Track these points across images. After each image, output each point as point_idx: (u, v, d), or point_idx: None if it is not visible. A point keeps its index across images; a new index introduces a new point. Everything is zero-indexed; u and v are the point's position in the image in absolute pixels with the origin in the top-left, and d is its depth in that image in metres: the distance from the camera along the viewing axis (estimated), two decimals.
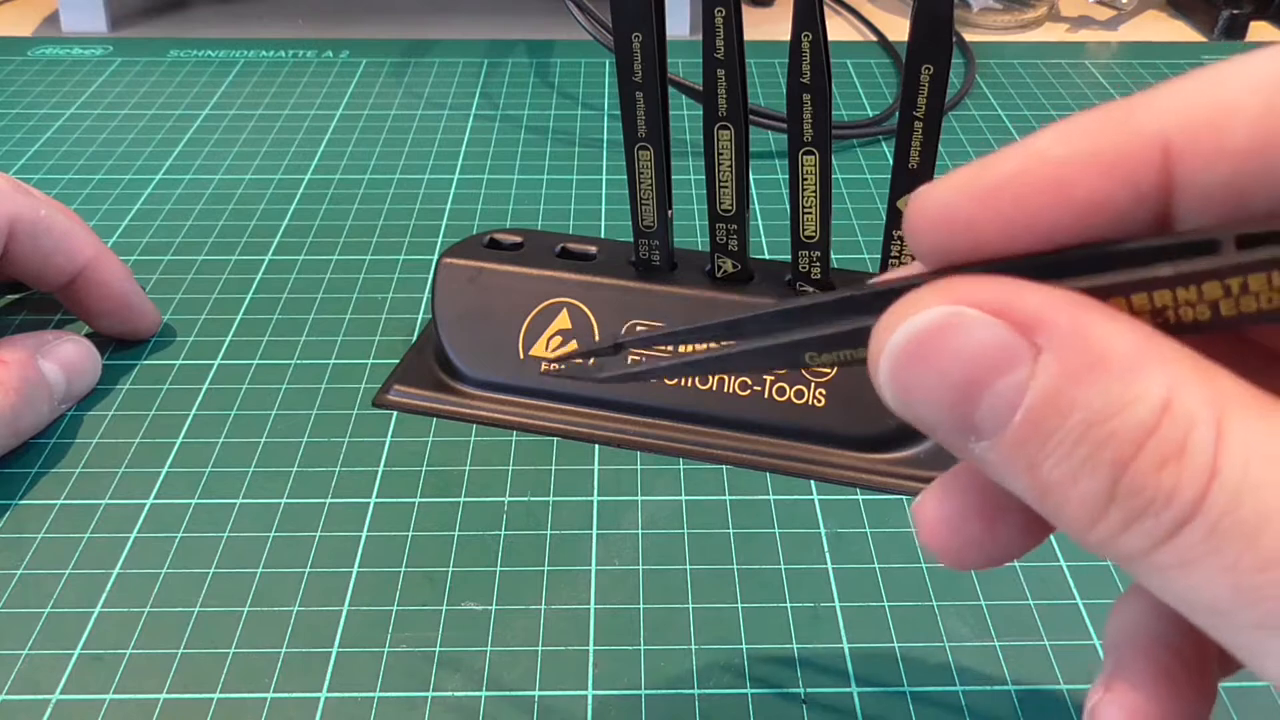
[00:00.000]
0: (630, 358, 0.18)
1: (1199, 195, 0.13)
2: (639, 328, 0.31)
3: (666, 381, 0.31)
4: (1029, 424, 0.13)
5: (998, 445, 0.13)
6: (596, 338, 0.32)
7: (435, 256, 0.40)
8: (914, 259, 0.16)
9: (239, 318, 0.37)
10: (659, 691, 0.25)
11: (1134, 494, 0.12)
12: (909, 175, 0.29)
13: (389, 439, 0.32)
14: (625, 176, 0.31)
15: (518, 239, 0.34)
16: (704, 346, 0.16)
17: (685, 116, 0.51)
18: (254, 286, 0.39)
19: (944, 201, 0.14)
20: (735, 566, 0.28)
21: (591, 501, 0.30)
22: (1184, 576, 0.12)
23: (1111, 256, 0.13)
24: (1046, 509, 0.13)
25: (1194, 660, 0.16)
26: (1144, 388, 0.12)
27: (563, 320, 0.32)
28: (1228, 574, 0.12)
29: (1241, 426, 0.12)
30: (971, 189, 0.14)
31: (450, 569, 0.28)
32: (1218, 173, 0.13)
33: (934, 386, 0.13)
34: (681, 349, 0.16)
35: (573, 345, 0.32)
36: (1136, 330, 0.12)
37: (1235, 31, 0.63)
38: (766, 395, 0.31)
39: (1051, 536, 0.29)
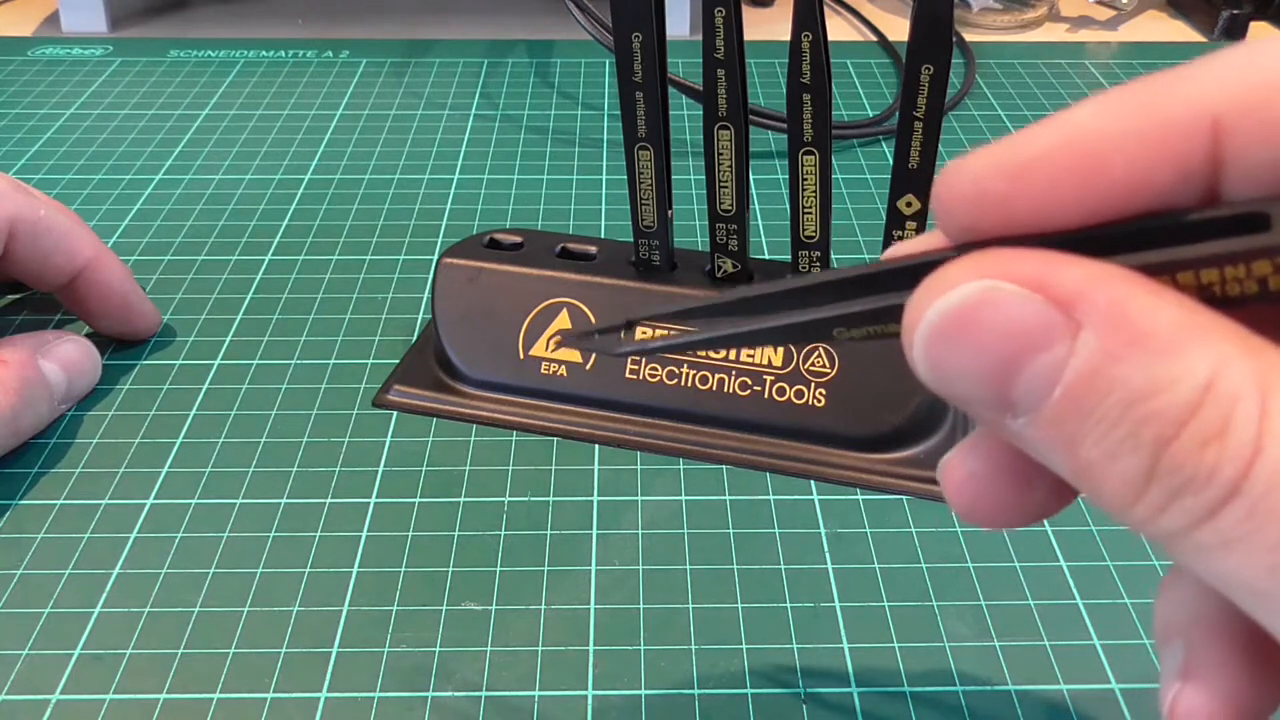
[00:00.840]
0: (641, 334, 0.17)
1: (1247, 173, 0.13)
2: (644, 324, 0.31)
3: (666, 382, 0.31)
4: (1068, 401, 0.12)
5: (1036, 422, 0.13)
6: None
7: (435, 256, 0.40)
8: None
9: (239, 318, 0.37)
10: (659, 691, 0.25)
11: (1174, 472, 0.12)
12: (909, 175, 0.29)
13: (389, 439, 0.32)
14: (625, 176, 0.31)
15: (518, 239, 0.34)
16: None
17: (685, 116, 0.51)
18: (254, 286, 0.39)
19: (976, 177, 0.14)
20: (735, 566, 0.28)
21: (591, 501, 0.30)
22: (1225, 556, 0.12)
23: (1153, 232, 0.13)
24: (1086, 486, 0.13)
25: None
26: (1186, 366, 0.12)
27: (563, 320, 0.32)
28: (1269, 553, 0.11)
29: None
30: (1005, 165, 0.13)
31: (450, 569, 0.28)
32: (1269, 149, 0.13)
33: (970, 363, 0.13)
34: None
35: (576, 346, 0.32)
36: (1180, 305, 0.12)
37: (1235, 31, 0.63)
38: (766, 395, 0.31)
39: (1052, 537, 0.29)
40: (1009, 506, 0.16)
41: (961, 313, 0.13)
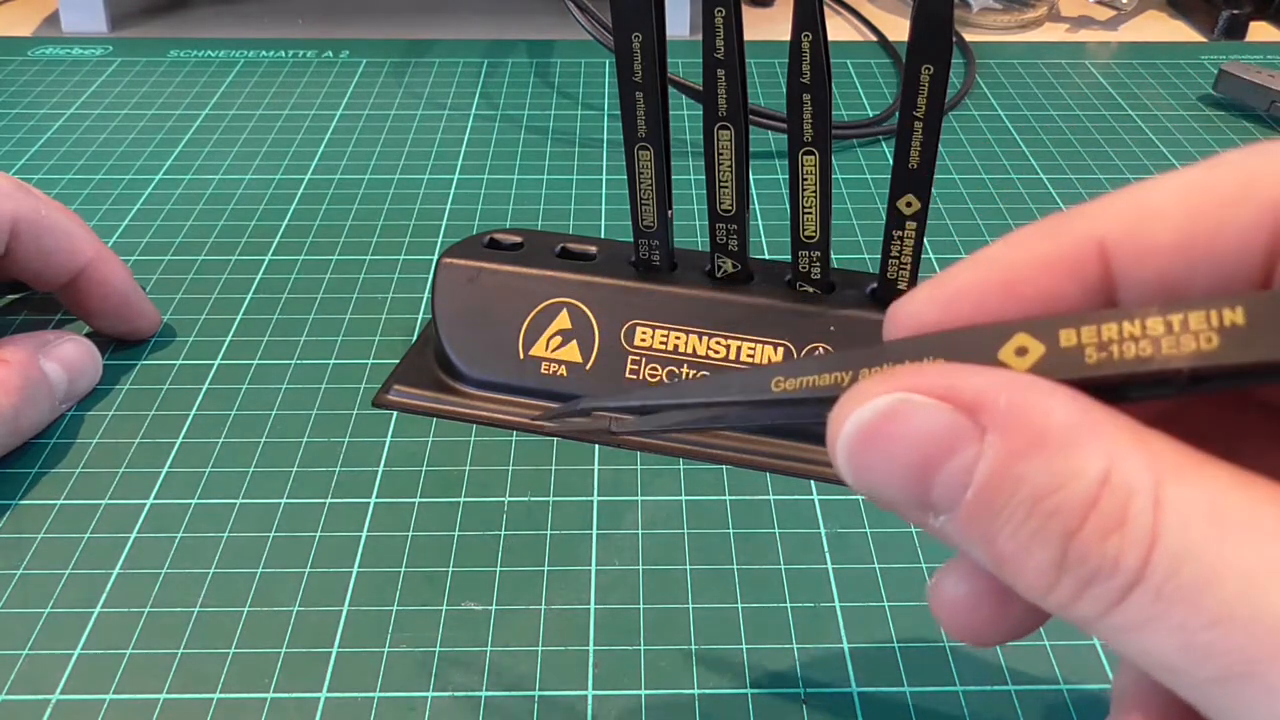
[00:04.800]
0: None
1: (1137, 288, 0.15)
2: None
3: (666, 382, 0.31)
4: (980, 501, 0.13)
5: (954, 520, 0.14)
6: (596, 337, 0.32)
7: (435, 256, 0.40)
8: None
9: (239, 318, 0.37)
10: (659, 691, 0.25)
11: (1082, 563, 0.13)
12: (909, 175, 0.29)
13: (389, 439, 0.32)
14: (625, 176, 0.31)
15: (518, 239, 0.34)
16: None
17: (685, 116, 0.51)
18: (254, 286, 0.39)
19: (912, 312, 0.16)
20: (735, 566, 0.28)
21: (591, 501, 0.30)
22: (1138, 638, 0.13)
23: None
24: (1006, 577, 0.14)
25: None
26: (1083, 462, 0.13)
27: (563, 320, 0.32)
28: (1177, 634, 0.12)
29: (1179, 491, 0.12)
30: (935, 299, 0.16)
31: (450, 569, 0.28)
32: (1149, 268, 0.15)
33: (887, 470, 0.14)
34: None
35: (573, 345, 0.32)
36: (1075, 403, 0.13)
37: (1235, 31, 0.63)
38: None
39: None
40: (993, 623, 0.17)
41: (875, 424, 0.14)
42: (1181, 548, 0.12)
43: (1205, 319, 0.13)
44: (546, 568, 0.28)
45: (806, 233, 0.31)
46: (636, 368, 0.32)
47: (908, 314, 0.16)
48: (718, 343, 0.31)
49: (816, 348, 0.31)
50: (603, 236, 0.39)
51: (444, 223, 0.43)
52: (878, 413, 0.14)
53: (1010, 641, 0.17)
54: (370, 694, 0.25)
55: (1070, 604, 0.13)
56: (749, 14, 0.65)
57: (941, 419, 0.13)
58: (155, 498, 0.30)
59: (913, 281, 0.31)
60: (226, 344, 0.36)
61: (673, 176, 0.32)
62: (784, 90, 0.31)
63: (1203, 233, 0.14)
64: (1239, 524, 0.12)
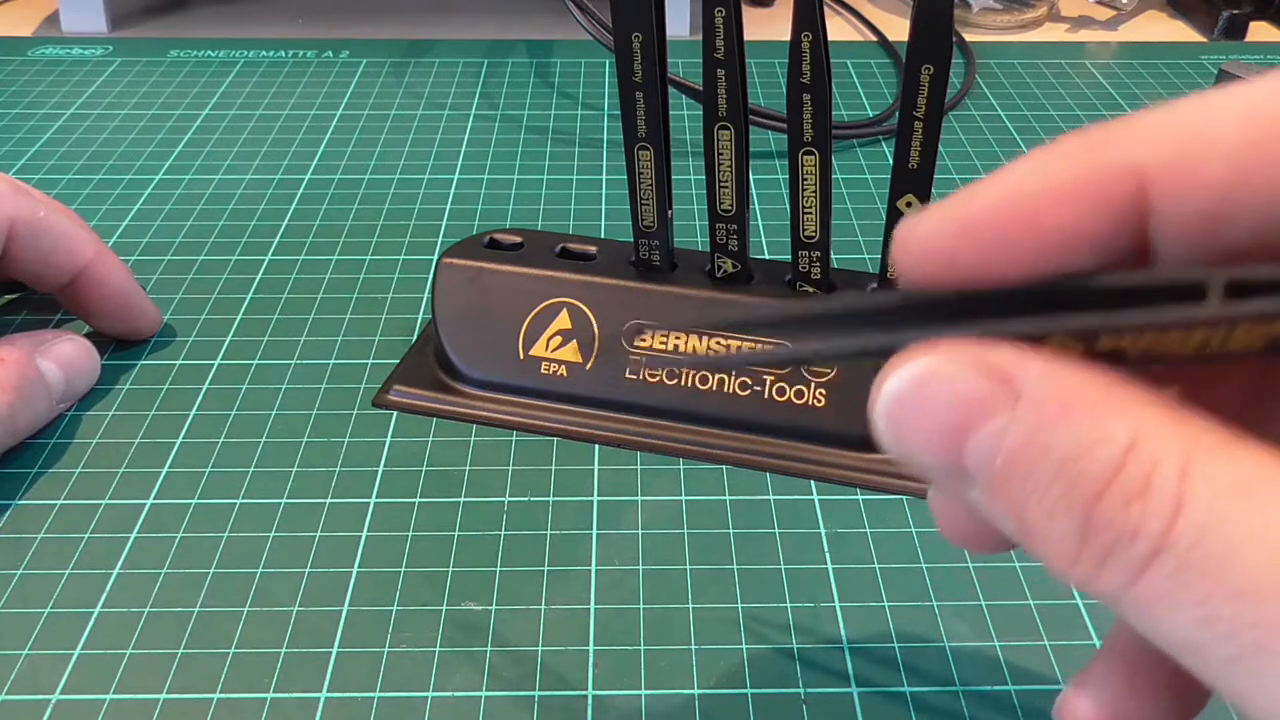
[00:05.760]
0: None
1: (1175, 225, 0.14)
2: (642, 328, 0.31)
3: (666, 381, 0.31)
4: (1010, 466, 0.13)
5: (988, 490, 0.14)
6: (596, 337, 0.32)
7: (435, 256, 0.40)
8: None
9: (239, 318, 0.37)
10: (659, 691, 0.25)
11: (1104, 529, 0.13)
12: (909, 175, 0.29)
13: (389, 439, 0.32)
14: (625, 176, 0.31)
15: (518, 239, 0.34)
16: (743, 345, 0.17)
17: (685, 116, 0.51)
18: (254, 286, 0.39)
19: (926, 236, 0.15)
20: (735, 566, 0.28)
21: (591, 501, 0.30)
22: (1160, 612, 0.12)
23: (1093, 294, 0.14)
24: (1033, 550, 0.14)
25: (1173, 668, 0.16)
26: (1110, 429, 0.13)
27: (563, 320, 0.32)
28: (1200, 606, 0.12)
29: (1209, 464, 0.12)
30: (951, 224, 0.15)
31: (450, 569, 0.28)
32: (1193, 204, 0.13)
33: (922, 430, 0.14)
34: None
35: (573, 345, 0.32)
36: (1105, 377, 0.13)
37: (1235, 31, 0.63)
38: (766, 395, 0.31)
39: None
40: None
41: (913, 385, 0.14)
42: (1207, 518, 0.12)
43: (1252, 333, 0.12)
44: (546, 568, 0.28)
45: (806, 233, 0.31)
46: (636, 368, 0.32)
47: (919, 239, 0.15)
48: (718, 343, 0.31)
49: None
50: (603, 236, 0.39)
51: (444, 223, 0.43)
52: (913, 378, 0.14)
53: None
54: (370, 694, 0.25)
55: (1093, 575, 0.13)
56: (749, 14, 0.65)
57: (975, 384, 0.13)
58: (155, 498, 0.30)
59: None
60: (226, 344, 0.36)
61: (673, 176, 0.32)
62: (784, 90, 0.31)
63: (1258, 170, 0.13)
64: (1268, 496, 0.12)
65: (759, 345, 0.31)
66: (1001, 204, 0.14)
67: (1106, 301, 0.13)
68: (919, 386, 0.14)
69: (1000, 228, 0.14)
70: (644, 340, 0.31)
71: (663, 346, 0.31)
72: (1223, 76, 0.53)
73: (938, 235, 0.15)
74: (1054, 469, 0.13)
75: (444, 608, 0.27)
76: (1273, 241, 0.13)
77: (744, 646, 0.26)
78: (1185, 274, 0.13)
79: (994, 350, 0.14)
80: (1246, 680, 0.12)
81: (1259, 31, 0.64)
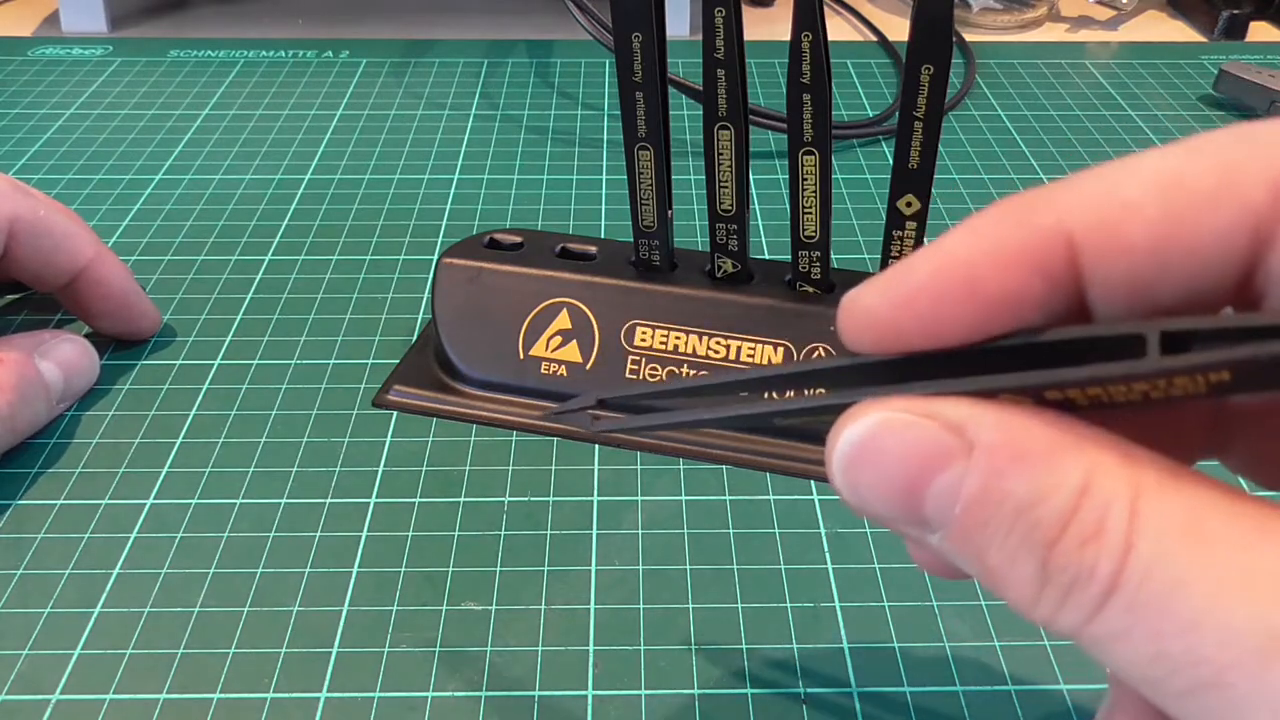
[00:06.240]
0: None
1: (1105, 285, 0.14)
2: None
3: (666, 381, 0.31)
4: (968, 516, 0.14)
5: (948, 536, 0.14)
6: (596, 337, 0.32)
7: (435, 256, 0.40)
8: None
9: (239, 318, 0.37)
10: (659, 691, 0.25)
11: (1062, 572, 0.13)
12: (909, 175, 0.29)
13: (389, 439, 0.32)
14: (625, 176, 0.31)
15: (518, 239, 0.34)
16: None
17: (685, 116, 0.51)
18: (254, 286, 0.39)
19: (869, 308, 0.15)
20: (735, 566, 0.28)
21: (591, 501, 0.30)
22: (1116, 648, 0.13)
23: (1037, 350, 0.14)
24: (997, 591, 0.14)
25: None
26: (1063, 475, 0.13)
27: (563, 320, 0.32)
28: (1151, 643, 0.12)
29: (1156, 502, 0.13)
30: (891, 296, 0.15)
31: (450, 569, 0.28)
32: (1119, 267, 0.14)
33: (879, 485, 0.14)
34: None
35: (573, 345, 0.32)
36: (1056, 423, 0.13)
37: (1235, 31, 0.63)
38: (766, 395, 0.31)
39: None
40: None
41: (865, 440, 0.14)
42: (1154, 556, 0.12)
43: (1192, 382, 0.13)
44: (546, 568, 0.28)
45: (806, 233, 0.31)
46: (636, 368, 0.32)
47: (862, 309, 0.15)
48: (718, 343, 0.31)
49: (816, 348, 0.31)
50: (603, 236, 0.39)
51: (444, 223, 0.43)
52: (868, 430, 0.14)
53: None
54: (370, 694, 0.25)
55: (1054, 615, 0.13)
56: (749, 14, 0.65)
57: (929, 435, 0.14)
58: (155, 498, 0.30)
59: None
60: (226, 344, 0.36)
61: (673, 176, 0.32)
62: (784, 90, 0.31)
63: (1179, 234, 0.13)
64: (1214, 535, 0.12)
65: (759, 347, 0.31)
66: (939, 273, 0.15)
67: (1050, 357, 0.14)
68: (873, 439, 0.14)
69: (939, 296, 0.14)
70: (644, 340, 0.31)
71: (662, 346, 0.31)
72: (1223, 76, 0.53)
73: (880, 306, 0.15)
74: (1011, 516, 0.13)
75: (444, 608, 0.27)
76: (1201, 299, 0.14)
77: (744, 646, 0.26)
78: (1123, 327, 0.13)
79: (944, 402, 0.14)
80: (1199, 712, 0.12)
81: (1259, 31, 0.64)
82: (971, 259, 0.14)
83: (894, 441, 0.14)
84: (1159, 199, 0.13)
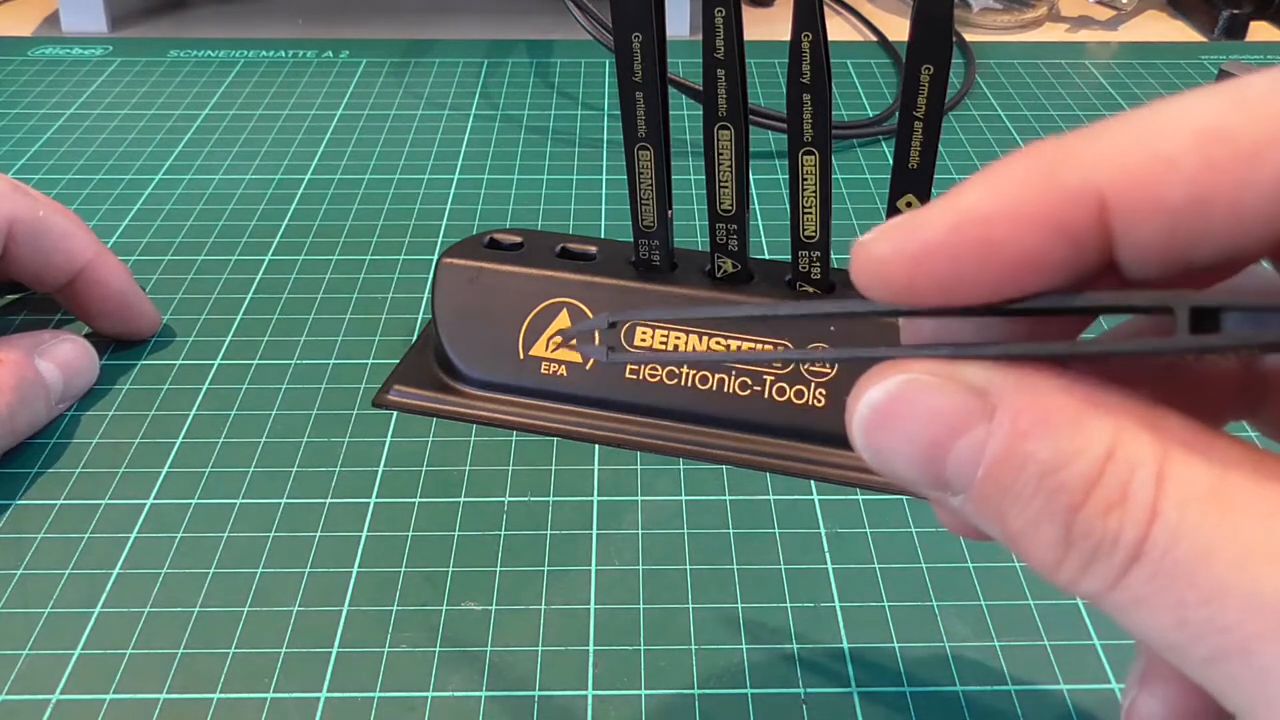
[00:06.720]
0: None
1: (1137, 246, 0.13)
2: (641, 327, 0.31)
3: (666, 381, 0.31)
4: (990, 479, 0.13)
5: (970, 499, 0.14)
6: (596, 337, 0.32)
7: (435, 256, 0.40)
8: None
9: (239, 318, 0.37)
10: (659, 691, 0.25)
11: (1086, 537, 0.13)
12: (909, 175, 0.29)
13: (389, 439, 0.32)
14: (625, 176, 0.31)
15: (518, 239, 0.34)
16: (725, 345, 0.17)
17: (685, 116, 0.51)
18: (254, 286, 0.39)
19: (881, 260, 0.14)
20: (735, 566, 0.28)
21: (591, 501, 0.30)
22: (1140, 615, 0.13)
23: (1060, 311, 0.14)
24: (1019, 554, 0.14)
25: None
26: (1087, 440, 0.13)
27: (563, 320, 0.32)
28: (1175, 610, 0.12)
29: (1182, 469, 0.12)
30: (905, 251, 0.14)
31: (450, 569, 0.28)
32: (1153, 228, 0.13)
33: (901, 447, 0.14)
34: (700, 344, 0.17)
35: (573, 344, 0.32)
36: (1080, 386, 0.13)
37: (1235, 31, 0.63)
38: (766, 395, 0.31)
39: None
40: None
41: (887, 402, 0.14)
42: (1180, 523, 0.12)
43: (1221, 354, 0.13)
44: (546, 568, 0.28)
45: (806, 233, 0.31)
46: (636, 368, 0.32)
47: (874, 259, 0.14)
48: (717, 343, 0.31)
49: (816, 348, 0.31)
50: (603, 236, 0.39)
51: (444, 223, 0.43)
52: (889, 393, 0.14)
53: None
54: (370, 694, 0.25)
55: (1077, 580, 0.13)
56: (749, 14, 0.65)
57: (951, 398, 0.14)
58: (155, 498, 0.30)
59: None
60: (226, 344, 0.36)
61: (673, 176, 0.32)
62: (784, 90, 0.31)
63: (1219, 192, 0.12)
64: (1241, 501, 0.12)
65: (759, 345, 0.31)
66: (955, 232, 0.14)
67: (1074, 319, 0.14)
68: (895, 401, 0.14)
69: (955, 257, 0.14)
70: (644, 340, 0.31)
71: (662, 346, 0.31)
72: (1223, 77, 0.53)
73: (893, 260, 0.14)
74: (1034, 481, 0.13)
75: (444, 608, 0.27)
76: (1238, 257, 0.13)
77: (744, 646, 0.26)
78: (1151, 298, 0.13)
79: (967, 365, 0.14)
80: (1222, 680, 0.12)
81: (1259, 31, 0.64)
82: (989, 218, 0.13)
83: (916, 404, 0.14)
84: (1199, 154, 0.12)
